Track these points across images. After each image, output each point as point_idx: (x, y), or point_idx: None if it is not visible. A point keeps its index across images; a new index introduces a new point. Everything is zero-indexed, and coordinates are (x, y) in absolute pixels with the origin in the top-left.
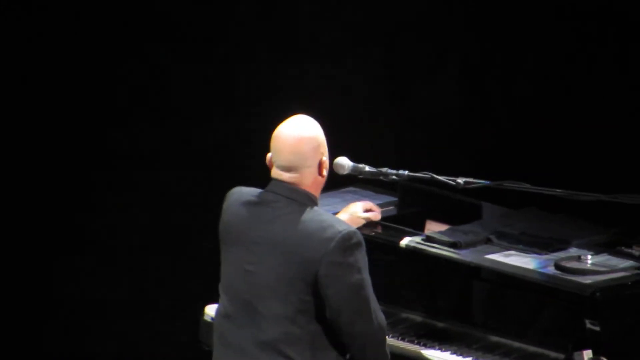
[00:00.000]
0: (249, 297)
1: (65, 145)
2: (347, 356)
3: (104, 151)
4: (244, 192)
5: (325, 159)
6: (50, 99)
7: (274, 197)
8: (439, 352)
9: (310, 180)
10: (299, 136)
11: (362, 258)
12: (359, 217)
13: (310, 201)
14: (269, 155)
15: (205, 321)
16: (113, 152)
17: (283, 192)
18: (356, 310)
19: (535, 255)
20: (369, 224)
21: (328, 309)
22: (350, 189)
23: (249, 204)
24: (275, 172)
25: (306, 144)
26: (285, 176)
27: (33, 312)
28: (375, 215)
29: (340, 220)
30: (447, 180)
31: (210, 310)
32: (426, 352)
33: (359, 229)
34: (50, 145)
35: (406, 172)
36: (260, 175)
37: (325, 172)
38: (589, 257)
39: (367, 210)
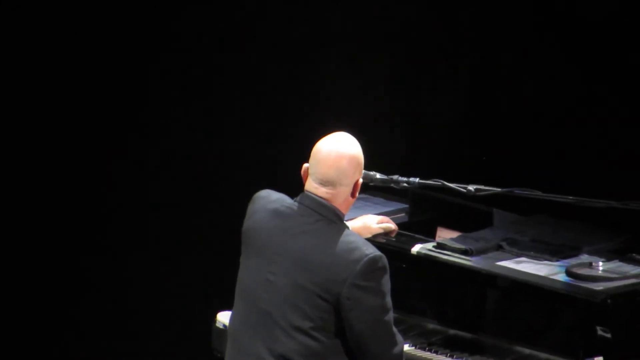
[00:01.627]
0: (267, 307)
1: (73, 147)
2: None
3: (120, 157)
4: (272, 199)
5: (361, 180)
6: (61, 99)
7: (303, 210)
8: (450, 359)
9: (343, 199)
10: (342, 152)
11: (386, 283)
12: (372, 227)
13: (338, 219)
14: (305, 165)
15: (218, 328)
16: (128, 156)
17: (312, 206)
18: (377, 334)
19: (546, 262)
20: (387, 231)
21: (348, 330)
22: (362, 196)
23: (277, 213)
24: (310, 185)
25: (348, 162)
26: (321, 190)
27: (46, 315)
28: (389, 227)
29: (367, 243)
30: (458, 188)
31: (222, 317)
32: (437, 359)
33: (373, 238)
34: (69, 152)
35: (417, 180)
36: (286, 181)
37: (357, 194)
38: (600, 263)
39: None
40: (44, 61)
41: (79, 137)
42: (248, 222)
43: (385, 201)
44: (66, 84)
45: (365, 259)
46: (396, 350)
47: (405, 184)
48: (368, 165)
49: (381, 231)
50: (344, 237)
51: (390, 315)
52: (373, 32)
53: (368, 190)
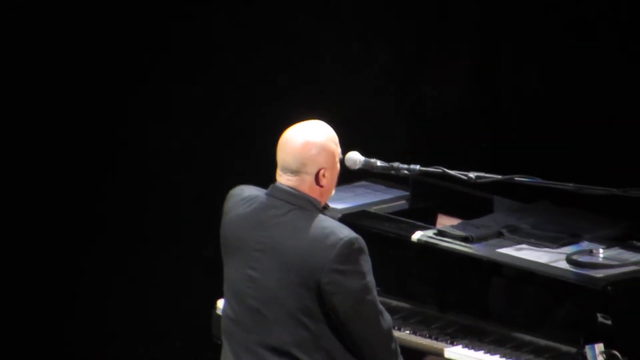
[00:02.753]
0: (254, 302)
1: (75, 147)
2: None
3: (115, 151)
4: (244, 196)
5: (326, 171)
6: (55, 97)
7: (275, 201)
8: (450, 345)
9: (307, 186)
10: (301, 139)
11: (365, 263)
12: None
13: (312, 205)
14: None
15: (218, 315)
16: (123, 151)
17: (283, 197)
18: (363, 316)
19: (547, 249)
20: (379, 217)
21: (334, 315)
22: (362, 183)
23: (250, 208)
24: (277, 174)
25: (306, 148)
26: (284, 178)
27: (47, 307)
28: None
29: (341, 226)
30: (459, 175)
31: (222, 303)
32: (438, 346)
33: (364, 220)
34: (62, 147)
35: (417, 167)
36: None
37: (324, 183)
38: (601, 250)
39: None
40: (38, 60)
41: (72, 134)
42: (224, 221)
43: (386, 188)
44: (56, 80)
45: (341, 242)
46: (384, 329)
47: (405, 171)
48: (369, 153)
49: None
50: (318, 223)
51: (374, 295)
52: (374, 19)
53: (369, 178)
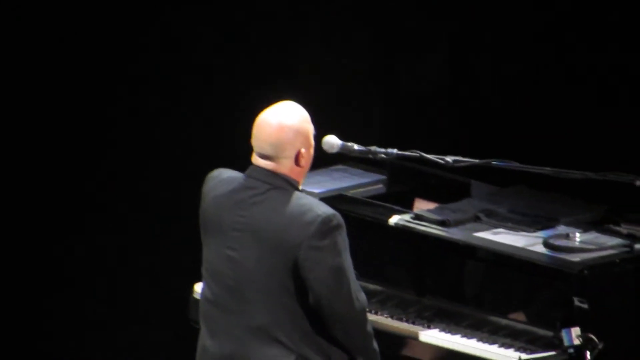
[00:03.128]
0: (233, 283)
1: (63, 138)
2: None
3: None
4: (223, 177)
5: (305, 150)
6: (49, 92)
7: (253, 182)
8: (427, 329)
9: (288, 168)
10: (278, 124)
11: (342, 241)
12: None
13: (290, 185)
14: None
15: (195, 299)
16: (105, 142)
17: (261, 177)
18: (337, 293)
19: (523, 233)
20: (356, 201)
21: (310, 293)
22: (339, 167)
23: (228, 189)
24: (254, 158)
25: (281, 134)
26: (262, 162)
27: (24, 296)
28: None
29: (319, 203)
30: (436, 159)
31: (200, 288)
32: (414, 330)
33: (341, 204)
34: (49, 139)
35: (395, 151)
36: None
37: (304, 163)
38: (578, 235)
39: None
40: (20, 55)
41: (52, 126)
42: (203, 204)
43: (363, 172)
44: (34, 75)
45: (319, 219)
46: (358, 308)
47: (383, 155)
48: (346, 137)
49: None
50: (296, 201)
51: (350, 274)
52: (351, 3)
53: (346, 162)
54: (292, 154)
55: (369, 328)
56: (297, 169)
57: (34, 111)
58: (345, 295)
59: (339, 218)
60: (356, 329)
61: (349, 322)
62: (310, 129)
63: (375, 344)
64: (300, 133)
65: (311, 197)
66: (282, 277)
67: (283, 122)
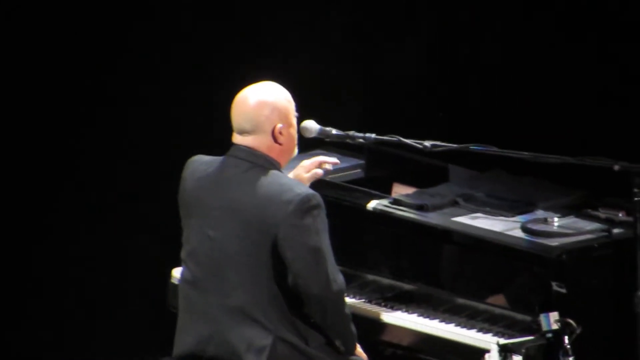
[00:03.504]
0: (213, 263)
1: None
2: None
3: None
4: (203, 160)
5: (282, 127)
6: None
7: (234, 161)
8: (405, 314)
9: (266, 146)
10: (252, 99)
11: (321, 221)
12: (303, 179)
13: (270, 165)
14: None
15: (173, 284)
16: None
17: (242, 156)
18: (314, 273)
19: (502, 217)
20: (334, 186)
21: (289, 272)
22: (318, 151)
23: (208, 170)
24: (234, 136)
25: (258, 109)
26: (239, 139)
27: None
28: (317, 172)
29: (299, 183)
30: (414, 144)
31: (178, 273)
32: (393, 315)
33: (319, 189)
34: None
35: (373, 135)
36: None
37: (282, 141)
38: (556, 219)
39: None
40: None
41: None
42: (182, 187)
43: (342, 157)
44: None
45: (298, 198)
46: (335, 290)
47: (361, 140)
48: (324, 122)
49: (313, 179)
50: (276, 180)
51: (328, 255)
52: None
53: (324, 146)
54: (269, 129)
55: (347, 311)
56: (277, 147)
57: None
58: (323, 275)
59: (318, 198)
60: (333, 310)
61: (327, 304)
62: (290, 108)
63: (353, 327)
64: (277, 109)
65: (290, 177)
66: (261, 257)
67: (261, 97)
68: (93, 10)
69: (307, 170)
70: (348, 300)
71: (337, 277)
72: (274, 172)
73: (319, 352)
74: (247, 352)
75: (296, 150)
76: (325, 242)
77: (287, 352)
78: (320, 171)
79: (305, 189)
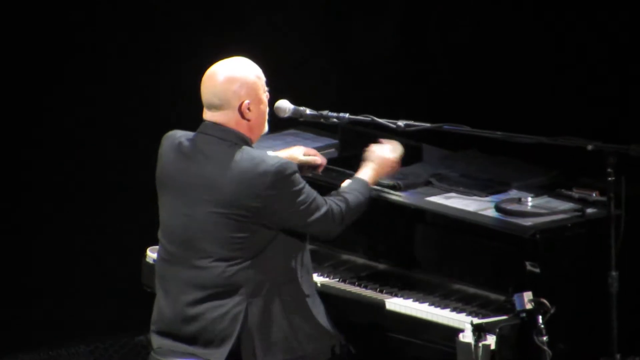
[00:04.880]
0: (188, 242)
1: None
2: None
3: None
4: (177, 136)
5: (250, 102)
6: None
7: (205, 138)
8: (379, 294)
9: (234, 122)
10: (220, 75)
11: (299, 182)
12: (298, 159)
13: (241, 140)
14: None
15: (148, 263)
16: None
17: (213, 133)
18: (312, 219)
19: (475, 197)
20: (311, 166)
21: (286, 229)
22: (292, 131)
23: (182, 147)
24: (204, 112)
25: (226, 84)
26: (208, 115)
27: None
28: (315, 159)
29: (270, 155)
30: (388, 123)
31: (152, 252)
32: (367, 294)
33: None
34: None
35: (347, 115)
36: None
37: (250, 117)
38: (529, 199)
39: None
40: None
41: None
42: (158, 165)
43: (316, 136)
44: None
45: (273, 169)
46: (329, 215)
47: (335, 120)
48: (299, 101)
49: (307, 164)
50: (247, 155)
51: (313, 199)
52: None
53: (298, 126)
54: (237, 104)
55: (353, 211)
56: (244, 122)
57: None
58: (321, 217)
59: (292, 165)
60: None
61: (333, 228)
62: (259, 84)
63: (360, 199)
64: (246, 84)
65: (259, 150)
66: (238, 231)
67: (229, 72)
68: None
69: (305, 153)
70: (321, 279)
71: (327, 207)
72: (244, 147)
73: (293, 312)
74: (221, 323)
75: (266, 127)
76: (308, 194)
77: (261, 315)
78: (317, 159)
79: (278, 159)
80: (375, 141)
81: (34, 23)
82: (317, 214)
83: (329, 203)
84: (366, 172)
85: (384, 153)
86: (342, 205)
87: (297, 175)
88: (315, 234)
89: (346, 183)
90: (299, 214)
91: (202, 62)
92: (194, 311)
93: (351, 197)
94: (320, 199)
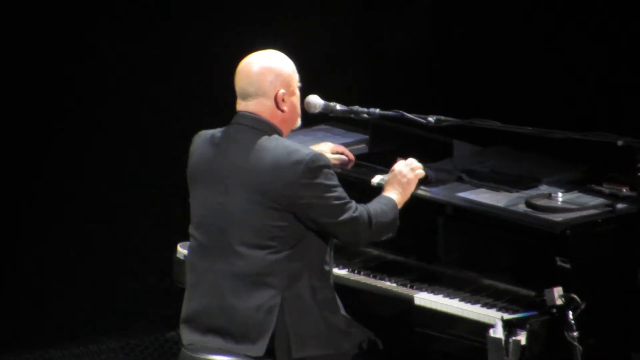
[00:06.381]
0: (222, 231)
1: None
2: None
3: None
4: (208, 133)
5: (285, 92)
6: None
7: (237, 127)
8: (410, 289)
9: (269, 112)
10: (256, 64)
11: (332, 177)
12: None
13: (273, 131)
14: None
15: (178, 259)
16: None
17: (245, 122)
18: (345, 221)
19: (505, 192)
20: (340, 163)
21: (317, 227)
22: (322, 127)
23: (214, 140)
24: (237, 103)
25: (262, 73)
26: (242, 104)
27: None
28: (342, 157)
29: (303, 145)
30: (418, 118)
31: (183, 248)
32: (398, 290)
33: None
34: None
35: (377, 110)
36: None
37: (285, 108)
38: (560, 194)
39: (336, 153)
40: None
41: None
42: (190, 161)
43: (346, 132)
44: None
45: (307, 158)
46: (360, 219)
47: (365, 115)
48: (329, 97)
49: (335, 162)
50: (281, 143)
51: (345, 198)
52: None
53: (328, 121)
54: (272, 93)
55: (382, 227)
56: (279, 113)
57: None
58: (353, 220)
59: (325, 158)
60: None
61: (362, 235)
62: (293, 77)
63: (390, 215)
64: (281, 75)
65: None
66: (273, 219)
67: (266, 63)
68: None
69: (332, 150)
70: (352, 274)
71: (364, 218)
72: (276, 136)
73: (325, 308)
74: (256, 315)
75: (299, 121)
76: (341, 192)
77: (296, 310)
78: (345, 157)
79: (311, 150)
80: (406, 137)
81: (51, 28)
82: (348, 214)
83: (360, 208)
84: (390, 192)
85: (402, 170)
86: (372, 214)
87: (331, 170)
88: (345, 238)
89: (375, 200)
90: (331, 209)
91: (233, 59)
92: (227, 303)
93: (379, 210)
94: (352, 201)
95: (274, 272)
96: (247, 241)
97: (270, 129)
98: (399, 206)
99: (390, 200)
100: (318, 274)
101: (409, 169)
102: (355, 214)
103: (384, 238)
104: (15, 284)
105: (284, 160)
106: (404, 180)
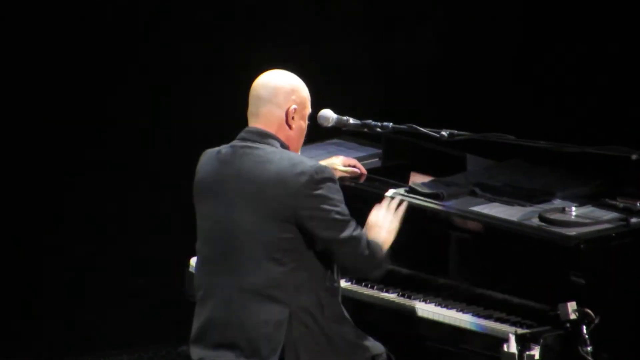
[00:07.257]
0: (228, 245)
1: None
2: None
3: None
4: (215, 149)
5: (296, 109)
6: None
7: (243, 142)
8: (423, 303)
9: (277, 124)
10: (277, 76)
11: (336, 191)
12: (337, 169)
13: (279, 144)
14: None
15: (191, 272)
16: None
17: (251, 137)
18: (347, 239)
19: (519, 206)
20: (351, 176)
21: (317, 241)
22: (335, 140)
23: (220, 156)
24: (248, 118)
25: (280, 84)
26: (251, 120)
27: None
28: (354, 170)
29: (308, 158)
30: (432, 132)
31: (194, 261)
32: (410, 304)
33: (340, 182)
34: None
35: (390, 124)
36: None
37: (294, 125)
38: (573, 208)
39: (348, 166)
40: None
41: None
42: (196, 177)
43: (359, 146)
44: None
45: (312, 169)
46: (361, 239)
47: (378, 129)
48: (343, 111)
49: (347, 175)
50: (285, 156)
51: (347, 215)
52: None
53: (342, 135)
54: (285, 105)
55: (379, 262)
56: (286, 129)
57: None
58: (354, 238)
59: (330, 171)
60: (371, 270)
61: (360, 258)
62: (305, 96)
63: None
64: (298, 93)
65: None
66: (278, 231)
67: (286, 76)
68: (103, 13)
69: (344, 163)
70: (365, 289)
71: (365, 240)
72: (281, 149)
73: (333, 322)
74: (265, 328)
75: (300, 147)
76: (344, 209)
77: (304, 324)
78: (357, 170)
79: (316, 162)
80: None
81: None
82: (349, 232)
83: (360, 230)
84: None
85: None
86: (369, 240)
87: (336, 184)
88: (344, 257)
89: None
90: (332, 223)
91: (249, 75)
92: (235, 317)
93: (372, 241)
94: (353, 220)
95: (280, 285)
96: (253, 254)
97: (275, 142)
98: (386, 246)
99: (376, 239)
100: (325, 288)
101: (384, 211)
102: (356, 234)
103: (374, 272)
104: (28, 298)
105: (288, 171)
106: (385, 222)
